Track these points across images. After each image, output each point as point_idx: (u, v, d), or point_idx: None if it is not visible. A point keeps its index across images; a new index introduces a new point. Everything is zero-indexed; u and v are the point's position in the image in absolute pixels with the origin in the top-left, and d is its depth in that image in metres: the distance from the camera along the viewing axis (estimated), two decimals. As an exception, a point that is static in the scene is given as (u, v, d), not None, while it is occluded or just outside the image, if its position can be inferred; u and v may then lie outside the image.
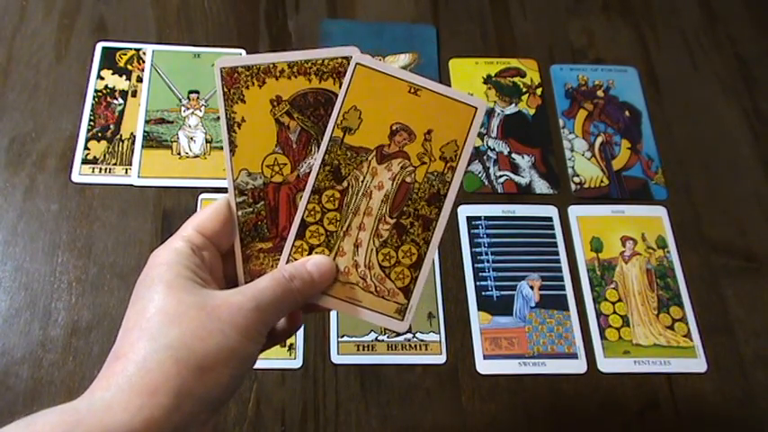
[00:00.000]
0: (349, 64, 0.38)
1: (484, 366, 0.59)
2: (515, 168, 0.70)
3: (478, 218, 0.66)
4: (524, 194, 0.68)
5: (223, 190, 0.65)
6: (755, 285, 0.65)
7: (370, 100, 0.38)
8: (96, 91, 0.69)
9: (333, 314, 0.60)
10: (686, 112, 0.75)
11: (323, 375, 0.58)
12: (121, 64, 0.71)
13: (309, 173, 0.38)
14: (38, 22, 0.72)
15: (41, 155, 0.65)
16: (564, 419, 0.58)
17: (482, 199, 0.67)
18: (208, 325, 0.32)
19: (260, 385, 0.57)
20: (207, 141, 0.68)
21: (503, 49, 0.77)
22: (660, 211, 0.68)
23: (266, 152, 0.39)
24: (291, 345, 0.58)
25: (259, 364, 0.57)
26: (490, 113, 0.73)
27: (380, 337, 0.60)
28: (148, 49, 0.72)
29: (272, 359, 0.58)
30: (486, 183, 0.69)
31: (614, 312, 0.63)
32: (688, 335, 0.62)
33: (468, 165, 0.38)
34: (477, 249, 0.65)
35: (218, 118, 0.69)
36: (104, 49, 0.72)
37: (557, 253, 0.65)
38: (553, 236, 0.66)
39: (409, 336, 0.60)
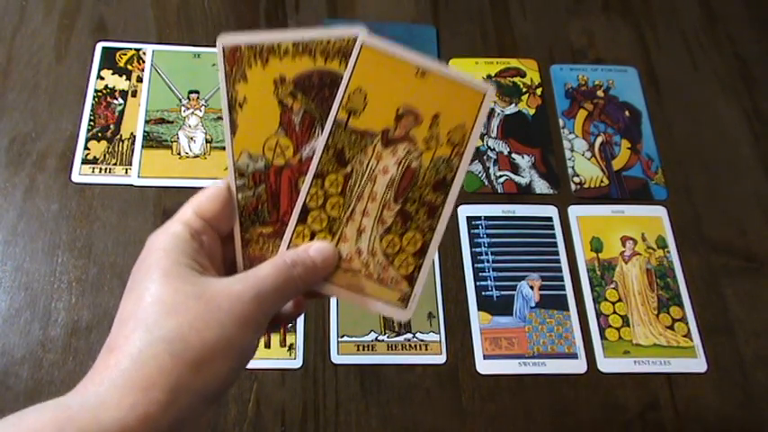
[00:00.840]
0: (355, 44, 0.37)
1: (484, 366, 0.59)
2: (515, 168, 0.70)
3: (478, 218, 0.66)
4: (524, 194, 0.68)
5: (223, 190, 0.65)
6: (755, 285, 0.65)
7: (375, 82, 0.37)
8: (96, 91, 0.69)
9: (333, 314, 0.60)
10: (686, 112, 0.75)
11: (323, 375, 0.58)
12: (121, 64, 0.71)
13: (313, 155, 0.37)
14: (38, 22, 0.72)
15: (41, 155, 0.65)
16: (564, 419, 0.58)
17: (482, 199, 0.67)
18: (205, 316, 0.31)
19: (260, 385, 0.57)
20: (207, 141, 0.68)
21: (503, 49, 0.77)
22: (660, 211, 0.68)
23: (268, 134, 0.38)
24: (291, 345, 0.58)
25: (259, 364, 0.57)
26: (490, 113, 0.73)
27: (380, 337, 0.60)
28: (148, 49, 0.72)
29: (272, 359, 0.58)
30: (486, 183, 0.69)
31: (614, 312, 0.63)
32: (688, 335, 0.62)
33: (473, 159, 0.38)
34: (477, 249, 0.65)
35: (219, 118, 0.69)
36: (104, 49, 0.72)
37: (557, 253, 0.65)
38: (553, 236, 0.66)
39: (409, 336, 0.60)
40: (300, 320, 0.60)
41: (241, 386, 0.56)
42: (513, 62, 0.76)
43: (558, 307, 0.62)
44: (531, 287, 0.63)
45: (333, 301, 0.61)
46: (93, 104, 0.68)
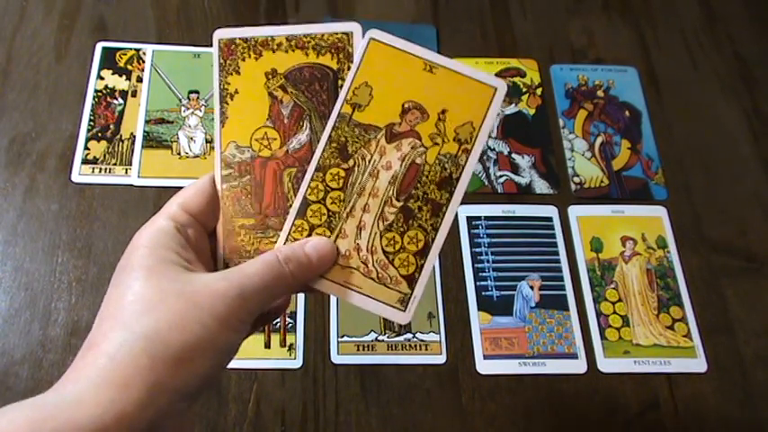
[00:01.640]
0: (349, 40, 0.37)
1: (484, 366, 0.59)
2: (515, 168, 0.70)
3: (478, 218, 0.66)
4: (524, 194, 0.68)
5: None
6: (755, 285, 0.65)
7: (382, 76, 0.37)
8: (96, 91, 0.69)
9: (333, 314, 0.60)
10: (686, 112, 0.75)
11: (323, 375, 0.58)
12: (121, 64, 0.71)
13: (299, 149, 0.37)
14: (38, 22, 0.72)
15: (41, 155, 0.65)
16: (564, 419, 0.58)
17: (482, 199, 0.67)
18: (186, 314, 0.30)
19: (260, 385, 0.57)
20: (207, 141, 0.68)
21: (503, 49, 0.77)
22: (660, 211, 0.68)
23: (256, 125, 0.38)
24: (291, 345, 0.58)
25: (259, 364, 0.57)
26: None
27: (380, 338, 0.60)
28: (148, 49, 0.72)
29: (272, 359, 0.58)
30: (486, 183, 0.68)
31: (614, 312, 0.63)
32: (688, 335, 0.62)
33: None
34: (477, 249, 0.65)
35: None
36: (104, 49, 0.72)
37: (557, 253, 0.65)
38: (553, 236, 0.66)
39: (409, 336, 0.60)
40: (300, 320, 0.60)
41: (241, 386, 0.56)
42: (513, 62, 0.76)
43: (558, 307, 0.62)
44: (531, 287, 0.63)
45: (333, 301, 0.61)
46: (93, 104, 0.68)
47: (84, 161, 0.65)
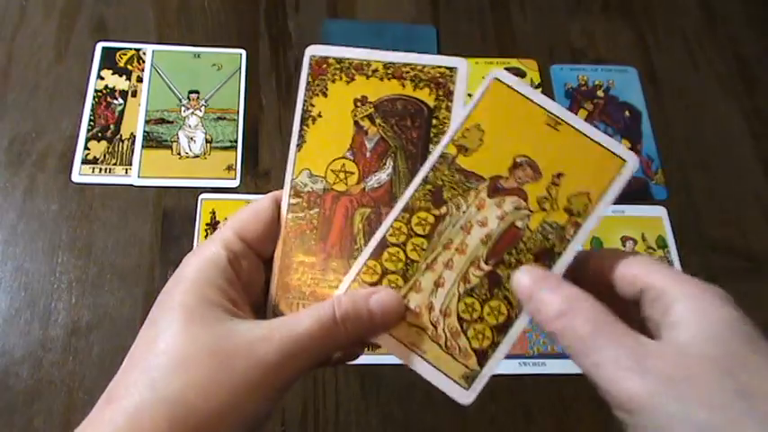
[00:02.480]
0: (452, 76, 0.34)
1: (484, 366, 0.59)
2: (515, 168, 0.70)
3: (478, 218, 0.66)
4: (524, 194, 0.68)
5: (224, 190, 0.65)
6: (755, 285, 0.65)
7: (498, 122, 0.33)
8: (96, 91, 0.69)
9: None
10: (686, 112, 0.75)
11: (323, 375, 0.58)
12: (121, 64, 0.71)
13: (377, 188, 0.34)
14: (38, 22, 0.72)
15: (41, 155, 0.65)
16: (564, 419, 0.58)
17: (482, 199, 0.67)
18: (216, 378, 0.27)
19: (260, 385, 0.57)
20: (207, 141, 0.68)
21: (503, 49, 0.77)
22: (660, 211, 0.68)
23: (335, 155, 0.34)
24: (291, 345, 0.58)
25: (259, 364, 0.57)
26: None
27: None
28: (148, 49, 0.72)
29: (272, 359, 0.58)
30: (487, 183, 0.68)
31: (614, 312, 0.63)
32: (688, 335, 0.62)
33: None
34: (478, 249, 0.64)
35: (219, 118, 0.69)
36: (104, 49, 0.72)
37: (557, 253, 0.65)
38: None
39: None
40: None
41: None
42: (513, 62, 0.76)
43: (558, 307, 0.62)
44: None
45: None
46: (93, 104, 0.68)
47: (84, 161, 0.65)
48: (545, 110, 0.33)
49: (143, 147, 0.67)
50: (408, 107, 0.34)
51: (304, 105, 0.35)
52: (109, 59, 0.71)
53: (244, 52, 0.73)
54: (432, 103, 0.34)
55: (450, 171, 0.33)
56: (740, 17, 0.82)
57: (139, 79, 0.70)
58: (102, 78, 0.70)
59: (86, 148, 0.66)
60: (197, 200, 0.64)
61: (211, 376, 0.27)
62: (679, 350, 0.26)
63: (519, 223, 0.32)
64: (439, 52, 0.76)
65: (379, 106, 0.34)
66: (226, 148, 0.68)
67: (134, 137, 0.67)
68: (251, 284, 0.32)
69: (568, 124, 0.32)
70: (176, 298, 0.29)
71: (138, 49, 0.72)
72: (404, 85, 0.34)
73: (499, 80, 0.33)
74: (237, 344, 0.28)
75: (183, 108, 0.69)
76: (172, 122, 0.68)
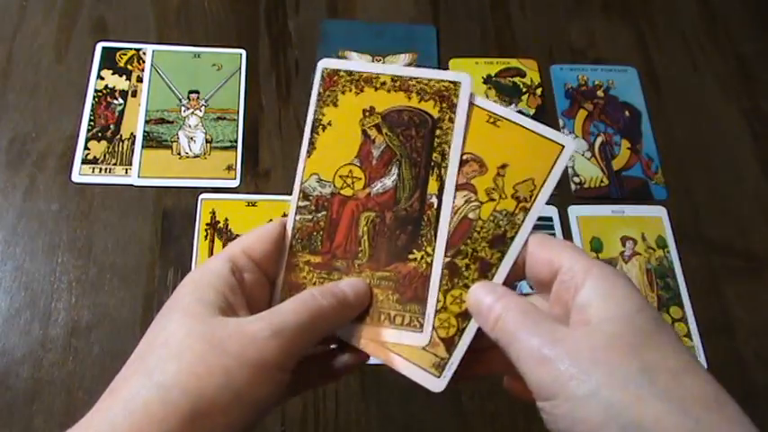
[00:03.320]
0: (456, 90, 0.35)
1: (484, 366, 0.59)
2: (515, 168, 0.70)
3: (478, 218, 0.66)
4: (524, 194, 0.68)
5: (224, 190, 0.65)
6: (755, 285, 0.65)
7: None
8: (96, 91, 0.69)
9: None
10: (686, 112, 0.75)
11: (323, 375, 0.58)
12: (121, 64, 0.71)
13: (382, 194, 0.36)
14: (38, 22, 0.72)
15: (41, 155, 0.65)
16: (564, 419, 0.58)
17: (482, 199, 0.67)
18: (210, 360, 0.28)
19: (260, 385, 0.57)
20: (207, 141, 0.68)
21: (503, 49, 0.77)
22: (660, 211, 0.68)
23: (343, 161, 0.36)
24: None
25: (259, 364, 0.57)
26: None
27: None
28: (148, 49, 0.72)
29: (272, 359, 0.58)
30: (486, 183, 0.68)
31: (614, 312, 0.63)
32: (688, 335, 0.62)
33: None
34: (477, 249, 0.64)
35: (219, 118, 0.69)
36: (104, 49, 0.72)
37: (557, 253, 0.65)
38: (553, 236, 0.66)
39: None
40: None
41: None
42: (513, 62, 0.76)
43: (558, 307, 0.62)
44: (532, 287, 0.63)
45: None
46: (93, 104, 0.68)
47: (85, 161, 0.65)
48: (484, 110, 0.35)
49: (143, 147, 0.67)
50: (414, 118, 0.36)
51: (315, 114, 0.36)
52: (109, 59, 0.71)
53: (244, 52, 0.73)
54: (436, 115, 0.36)
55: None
56: (740, 17, 0.82)
57: (139, 79, 0.70)
58: (102, 78, 0.70)
59: (86, 148, 0.66)
60: (197, 200, 0.64)
61: (204, 359, 0.28)
62: (587, 332, 0.28)
63: (471, 215, 0.35)
64: (439, 52, 0.76)
65: (386, 117, 0.36)
66: (226, 148, 0.68)
67: (134, 137, 0.67)
68: (254, 298, 0.33)
69: (507, 119, 0.35)
70: (177, 300, 0.31)
71: (138, 49, 0.72)
72: (410, 98, 0.36)
73: None
74: (229, 330, 0.29)
75: (183, 108, 0.69)
76: (172, 122, 0.68)
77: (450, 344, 0.33)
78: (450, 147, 0.35)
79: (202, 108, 0.70)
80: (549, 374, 0.27)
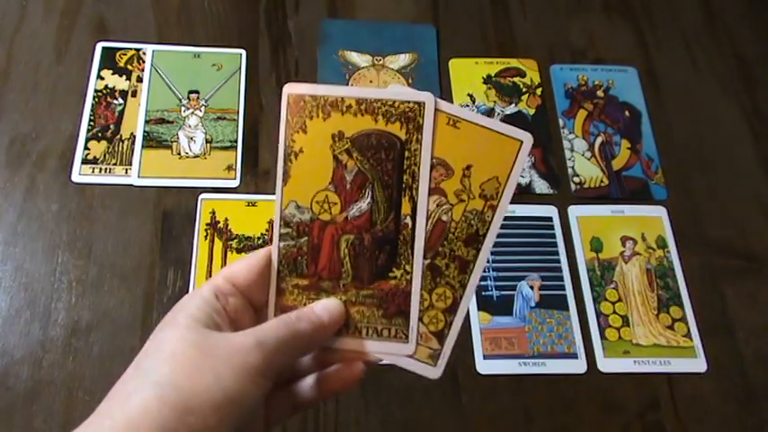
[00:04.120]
0: (420, 110, 0.36)
1: (484, 366, 0.59)
2: (515, 168, 0.70)
3: (478, 218, 0.66)
4: (524, 194, 0.68)
5: (224, 190, 0.65)
6: (755, 285, 0.65)
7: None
8: (96, 91, 0.69)
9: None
10: (686, 112, 0.75)
11: (323, 375, 0.58)
12: (121, 64, 0.71)
13: (359, 217, 0.37)
14: (38, 22, 0.72)
15: (41, 155, 0.65)
16: (564, 419, 0.58)
17: (482, 199, 0.67)
18: (200, 362, 0.30)
19: (260, 385, 0.57)
20: (207, 141, 0.68)
21: (503, 49, 0.77)
22: (660, 211, 0.68)
23: (318, 188, 0.37)
24: (291, 345, 0.58)
25: (259, 364, 0.57)
26: (490, 113, 0.73)
27: (380, 338, 0.60)
28: (148, 49, 0.72)
29: (272, 359, 0.58)
30: (486, 183, 0.68)
31: (614, 312, 0.63)
32: (688, 335, 0.62)
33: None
34: (477, 249, 0.65)
35: (219, 118, 0.69)
36: (104, 49, 0.72)
37: (557, 253, 0.65)
38: (553, 236, 0.66)
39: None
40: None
41: None
42: (513, 62, 0.76)
43: (558, 307, 0.62)
44: (531, 287, 0.63)
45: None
46: (93, 104, 0.68)
47: (84, 161, 0.65)
48: (443, 112, 0.36)
49: (143, 147, 0.67)
50: (382, 141, 0.37)
51: (286, 141, 0.37)
52: (109, 59, 0.71)
53: (244, 52, 0.73)
54: (403, 137, 0.37)
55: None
56: (740, 17, 0.82)
57: (139, 79, 0.70)
58: (102, 78, 0.70)
59: (86, 148, 0.66)
60: (197, 200, 0.64)
61: (195, 362, 0.31)
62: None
63: (444, 217, 0.36)
64: (439, 52, 0.76)
65: (355, 141, 0.37)
66: (226, 148, 0.68)
67: (134, 137, 0.67)
68: (238, 320, 0.36)
69: (465, 120, 0.36)
70: (168, 319, 0.34)
71: (138, 49, 0.72)
72: (377, 120, 0.37)
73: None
74: (218, 340, 0.32)
75: (183, 108, 0.69)
76: (172, 122, 0.68)
77: (440, 336, 0.37)
78: (419, 169, 0.36)
79: (202, 108, 0.70)
80: None
